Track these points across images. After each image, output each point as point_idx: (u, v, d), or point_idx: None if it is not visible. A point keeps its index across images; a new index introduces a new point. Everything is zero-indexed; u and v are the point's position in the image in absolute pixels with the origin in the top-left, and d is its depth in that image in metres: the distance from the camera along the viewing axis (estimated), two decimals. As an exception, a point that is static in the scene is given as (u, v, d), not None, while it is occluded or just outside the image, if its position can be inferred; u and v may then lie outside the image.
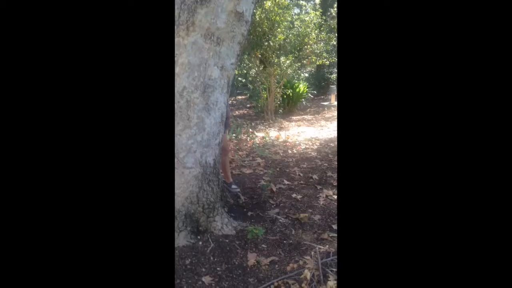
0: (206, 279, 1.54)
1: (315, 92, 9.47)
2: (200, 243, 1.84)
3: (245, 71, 6.30)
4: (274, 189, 2.63)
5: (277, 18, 5.88)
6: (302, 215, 2.14)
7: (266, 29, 5.88)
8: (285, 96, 7.45)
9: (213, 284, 1.52)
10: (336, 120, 6.40)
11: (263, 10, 5.79)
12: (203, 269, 1.63)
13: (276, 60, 6.37)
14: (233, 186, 2.52)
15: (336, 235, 1.93)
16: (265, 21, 5.82)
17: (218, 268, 1.64)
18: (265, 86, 6.65)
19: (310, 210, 2.26)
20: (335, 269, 1.58)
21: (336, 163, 3.39)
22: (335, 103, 8.00)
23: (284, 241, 1.88)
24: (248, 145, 4.17)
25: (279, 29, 6.02)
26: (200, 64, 1.72)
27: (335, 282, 1.41)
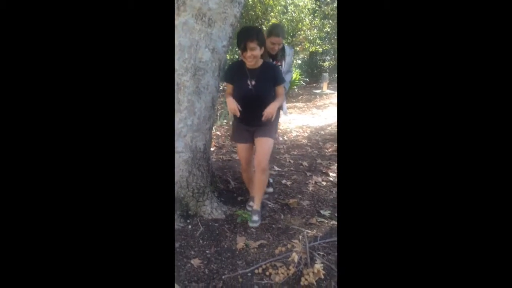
0: (195, 262, 1.56)
1: (307, 79, 9.44)
2: (190, 226, 1.85)
3: (237, 56, 6.20)
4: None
5: (271, 2, 5.76)
6: (291, 200, 2.17)
7: (259, 13, 5.76)
8: (277, 83, 7.37)
9: (202, 267, 1.54)
10: (327, 108, 6.42)
11: (257, -7, 5.65)
12: (192, 252, 1.64)
13: (268, 46, 6.28)
14: (254, 217, 1.86)
15: (323, 220, 1.97)
16: (258, 4, 5.69)
17: (207, 251, 1.66)
18: (257, 72, 6.58)
19: (299, 196, 2.29)
20: (322, 253, 1.62)
21: (326, 150, 3.42)
22: (327, 91, 8.00)
23: (273, 226, 1.91)
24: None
25: (272, 14, 5.91)
26: (190, 46, 1.68)
27: (322, 265, 1.44)
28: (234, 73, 1.77)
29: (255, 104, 1.73)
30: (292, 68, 2.35)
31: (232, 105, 1.70)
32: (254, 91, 1.72)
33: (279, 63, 2.12)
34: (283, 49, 2.13)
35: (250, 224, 1.84)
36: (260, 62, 1.74)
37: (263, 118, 1.71)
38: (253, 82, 1.72)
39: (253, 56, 1.64)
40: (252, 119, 1.78)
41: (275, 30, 1.98)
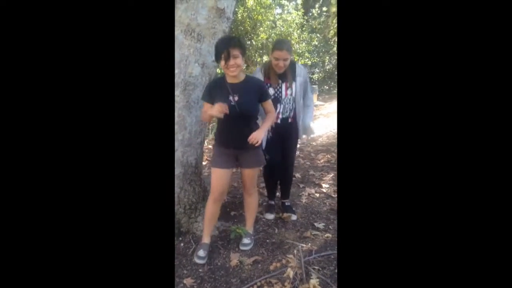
0: (188, 281, 1.51)
1: (297, 91, 9.55)
2: (182, 244, 1.80)
3: (227, 70, 6.27)
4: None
5: (260, 17, 5.87)
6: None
7: (249, 28, 5.86)
8: (267, 96, 7.43)
9: (195, 286, 1.49)
10: (318, 119, 6.49)
11: (245, 9, 5.76)
12: (185, 271, 1.59)
13: (258, 60, 6.37)
14: (245, 239, 1.81)
15: (318, 233, 1.94)
16: (247, 20, 5.80)
17: (200, 270, 1.61)
18: (247, 85, 6.63)
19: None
20: (317, 267, 1.59)
21: (318, 161, 3.43)
22: (317, 102, 8.10)
23: (267, 240, 1.87)
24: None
25: (261, 28, 6.02)
26: (180, 61, 1.68)
27: (317, 280, 1.41)
28: (214, 90, 1.55)
29: (238, 123, 1.52)
30: (310, 92, 2.01)
31: (218, 108, 1.42)
32: (238, 107, 1.50)
33: (288, 86, 1.88)
34: (293, 69, 1.88)
35: (241, 248, 1.77)
36: (243, 76, 1.57)
37: (249, 140, 1.48)
38: (236, 98, 1.51)
39: (237, 65, 1.46)
40: (236, 140, 1.55)
41: (278, 44, 1.78)
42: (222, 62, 1.47)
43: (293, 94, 1.91)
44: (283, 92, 1.89)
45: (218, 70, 3.00)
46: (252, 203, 1.80)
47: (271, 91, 1.84)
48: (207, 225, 1.73)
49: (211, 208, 1.68)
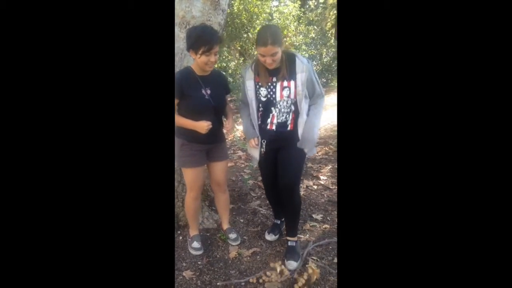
0: (187, 274, 1.52)
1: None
2: (181, 237, 1.81)
3: (224, 64, 6.23)
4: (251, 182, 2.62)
5: (256, 9, 5.82)
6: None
7: (245, 21, 5.81)
8: (265, 89, 7.40)
9: (194, 279, 1.50)
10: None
11: (241, 1, 5.71)
12: (184, 264, 1.60)
13: (255, 53, 6.33)
14: (231, 235, 1.78)
15: (316, 224, 1.96)
16: (244, 12, 5.75)
17: (199, 262, 1.62)
18: (245, 79, 6.61)
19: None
20: (315, 258, 1.61)
21: (316, 153, 3.43)
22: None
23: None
24: (229, 139, 4.14)
25: (258, 21, 5.97)
26: (176, 54, 1.67)
27: (318, 270, 1.43)
28: (185, 84, 1.42)
29: (212, 116, 1.47)
30: (319, 89, 1.53)
31: (201, 123, 1.42)
32: (212, 101, 1.47)
33: (284, 85, 1.46)
34: (292, 63, 1.44)
35: (233, 244, 1.76)
36: None
37: (226, 129, 1.58)
38: (208, 91, 1.46)
39: (215, 62, 1.43)
40: (210, 135, 1.47)
41: (260, 37, 1.36)
42: (203, 58, 1.37)
43: (292, 96, 1.46)
44: (278, 94, 1.46)
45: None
46: (226, 199, 1.79)
47: (263, 91, 1.48)
48: (192, 220, 1.73)
49: (193, 205, 1.67)
